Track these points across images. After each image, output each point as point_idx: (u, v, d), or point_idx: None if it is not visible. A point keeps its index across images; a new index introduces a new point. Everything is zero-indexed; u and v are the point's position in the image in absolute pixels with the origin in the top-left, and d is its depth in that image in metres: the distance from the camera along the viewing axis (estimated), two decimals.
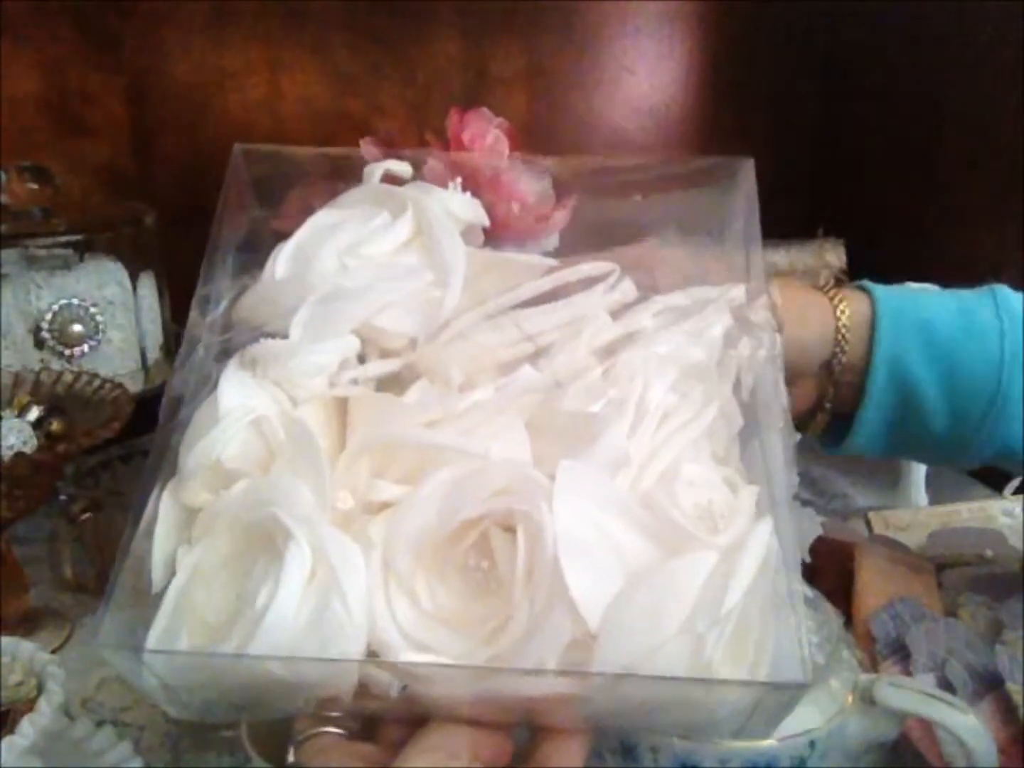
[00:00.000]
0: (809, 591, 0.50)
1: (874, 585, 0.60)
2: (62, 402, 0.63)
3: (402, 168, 0.44)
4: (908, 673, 0.53)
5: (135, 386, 0.73)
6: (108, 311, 0.74)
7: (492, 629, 0.32)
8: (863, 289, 0.53)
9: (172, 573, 0.33)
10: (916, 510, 0.75)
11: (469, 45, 1.02)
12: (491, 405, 0.35)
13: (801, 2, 1.11)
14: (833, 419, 0.54)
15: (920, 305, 0.51)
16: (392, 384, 0.38)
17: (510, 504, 0.32)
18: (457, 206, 0.42)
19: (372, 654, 0.31)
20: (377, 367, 0.38)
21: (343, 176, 0.44)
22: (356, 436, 0.36)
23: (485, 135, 0.61)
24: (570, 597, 0.30)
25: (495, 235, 0.44)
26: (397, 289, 0.38)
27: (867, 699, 0.44)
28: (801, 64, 1.14)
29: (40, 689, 0.45)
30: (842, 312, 0.51)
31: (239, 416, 0.35)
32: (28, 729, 0.42)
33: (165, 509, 0.35)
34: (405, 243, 0.40)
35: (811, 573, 0.60)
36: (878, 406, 0.51)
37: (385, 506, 0.34)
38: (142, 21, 0.89)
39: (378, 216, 0.40)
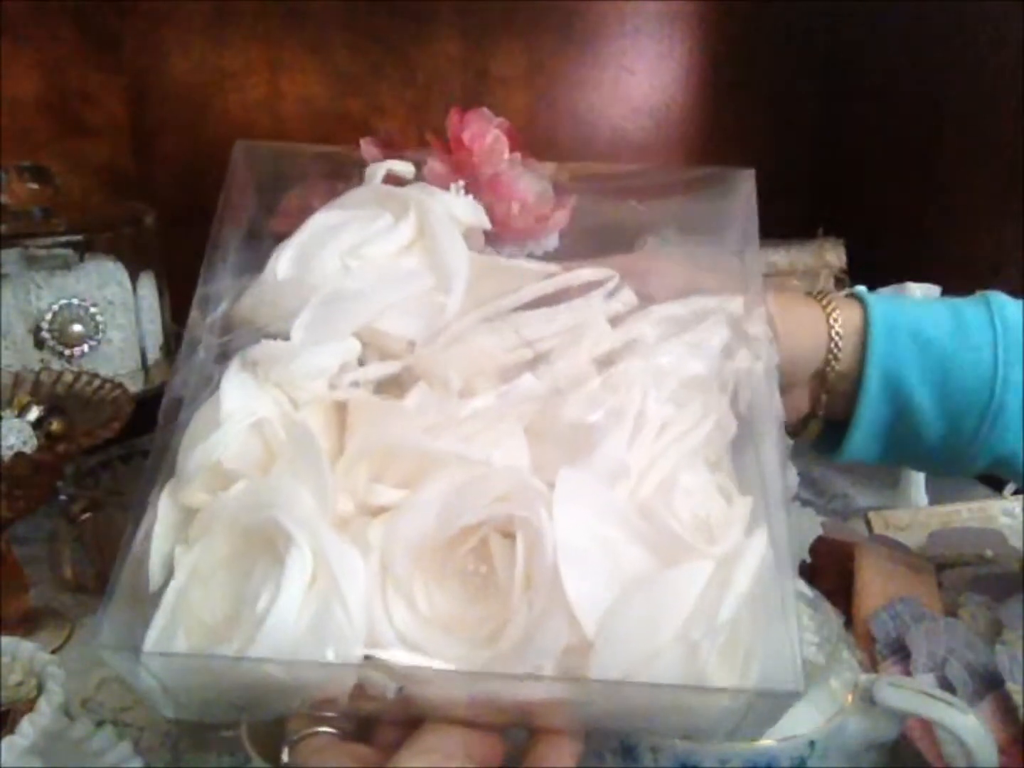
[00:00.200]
0: (809, 591, 0.50)
1: (874, 585, 0.60)
2: (62, 402, 0.63)
3: (405, 168, 0.44)
4: (908, 673, 0.53)
5: (135, 386, 0.73)
6: (108, 311, 0.74)
7: (489, 633, 0.32)
8: (856, 297, 0.53)
9: (170, 572, 0.33)
10: (916, 510, 0.75)
11: (469, 45, 1.02)
12: (491, 412, 0.35)
13: (801, 2, 1.11)
14: (827, 426, 0.54)
15: (913, 313, 0.51)
16: (392, 386, 0.38)
17: (510, 511, 0.32)
18: (459, 209, 0.42)
19: (369, 656, 0.31)
20: (377, 369, 0.38)
21: (343, 175, 0.44)
22: (356, 440, 0.36)
23: (485, 135, 0.61)
24: (568, 603, 0.30)
25: (495, 235, 0.44)
26: (399, 292, 0.38)
27: (867, 699, 0.44)
28: (801, 64, 1.14)
29: (40, 689, 0.45)
30: (835, 321, 0.51)
31: (240, 419, 0.35)
32: (28, 729, 0.42)
33: (164, 509, 0.35)
34: (407, 245, 0.40)
35: (811, 573, 0.60)
36: (871, 415, 0.51)
37: (383, 509, 0.34)
38: (142, 21, 0.89)
39: (380, 217, 0.40)
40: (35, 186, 0.75)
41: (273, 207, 0.43)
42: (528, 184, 0.58)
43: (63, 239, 0.73)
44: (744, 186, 0.43)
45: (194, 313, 0.39)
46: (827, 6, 1.12)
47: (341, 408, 0.37)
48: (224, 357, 0.38)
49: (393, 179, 0.43)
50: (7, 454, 0.56)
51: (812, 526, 0.66)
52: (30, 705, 0.44)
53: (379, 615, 0.32)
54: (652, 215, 0.45)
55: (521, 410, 0.36)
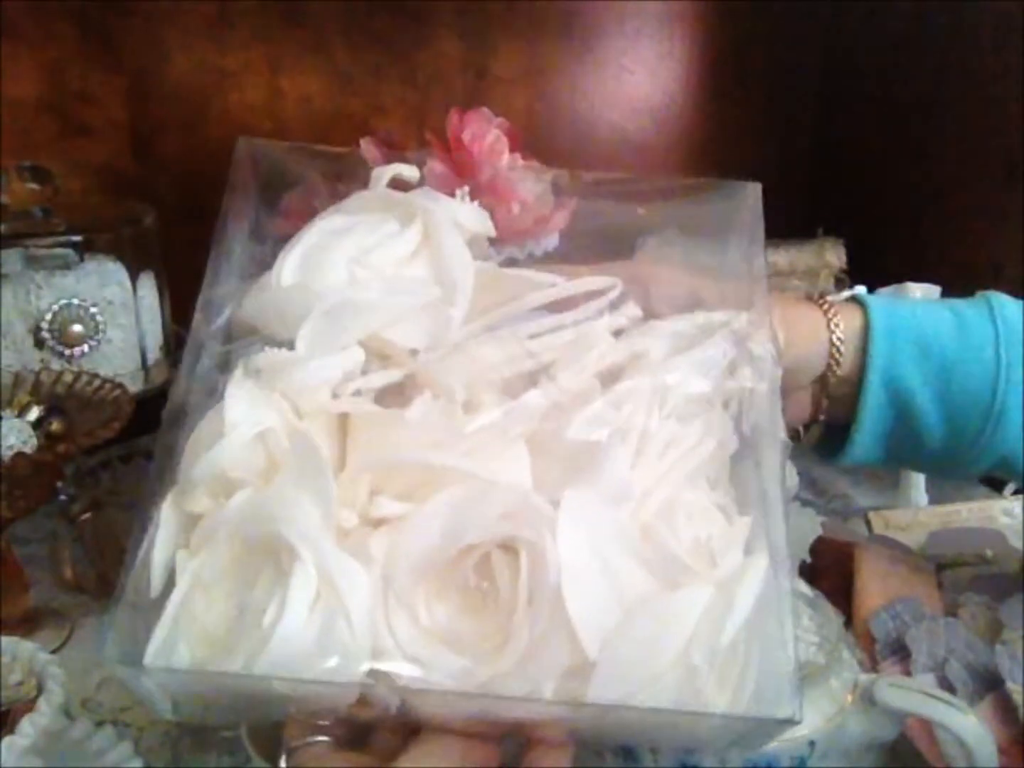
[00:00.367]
0: (809, 591, 0.50)
1: (874, 585, 0.60)
2: (62, 402, 0.63)
3: (411, 173, 0.43)
4: (908, 673, 0.53)
5: (135, 386, 0.73)
6: (108, 311, 0.74)
7: (490, 649, 0.32)
8: (856, 301, 0.52)
9: (171, 578, 0.33)
10: (916, 510, 0.75)
11: (469, 45, 1.01)
12: (495, 428, 0.35)
13: (801, 2, 1.11)
14: (828, 431, 0.54)
15: (914, 316, 0.51)
16: (394, 394, 0.38)
17: (514, 531, 0.33)
18: (464, 216, 0.41)
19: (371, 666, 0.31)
20: (379, 377, 0.38)
21: (345, 175, 0.43)
22: (358, 452, 0.36)
23: (485, 135, 0.61)
24: (570, 624, 0.31)
25: (495, 235, 0.44)
26: (404, 304, 0.38)
27: (867, 699, 0.44)
28: (801, 64, 1.14)
29: (40, 689, 0.45)
30: (836, 325, 0.50)
31: (245, 431, 0.35)
32: (28, 729, 0.42)
33: (166, 516, 0.34)
34: (412, 253, 0.39)
35: (811, 573, 0.60)
36: (873, 419, 0.51)
37: (385, 521, 0.34)
38: (142, 21, 0.89)
39: (386, 224, 0.40)
40: (35, 186, 0.75)
41: (276, 205, 0.43)
42: (528, 185, 0.58)
43: (63, 239, 0.72)
44: (751, 198, 0.43)
45: (198, 316, 0.39)
46: (827, 6, 1.13)
47: (345, 418, 0.37)
48: (228, 365, 0.38)
49: (398, 182, 0.43)
50: (7, 454, 0.56)
51: (812, 526, 0.66)
52: (30, 705, 0.44)
53: (380, 626, 0.32)
54: (653, 218, 0.45)
55: (525, 427, 0.35)
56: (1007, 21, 0.90)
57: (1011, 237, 0.89)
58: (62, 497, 0.67)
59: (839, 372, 0.51)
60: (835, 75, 1.14)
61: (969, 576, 0.63)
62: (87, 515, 0.66)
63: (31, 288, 0.71)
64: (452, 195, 0.42)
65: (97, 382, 0.64)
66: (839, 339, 0.50)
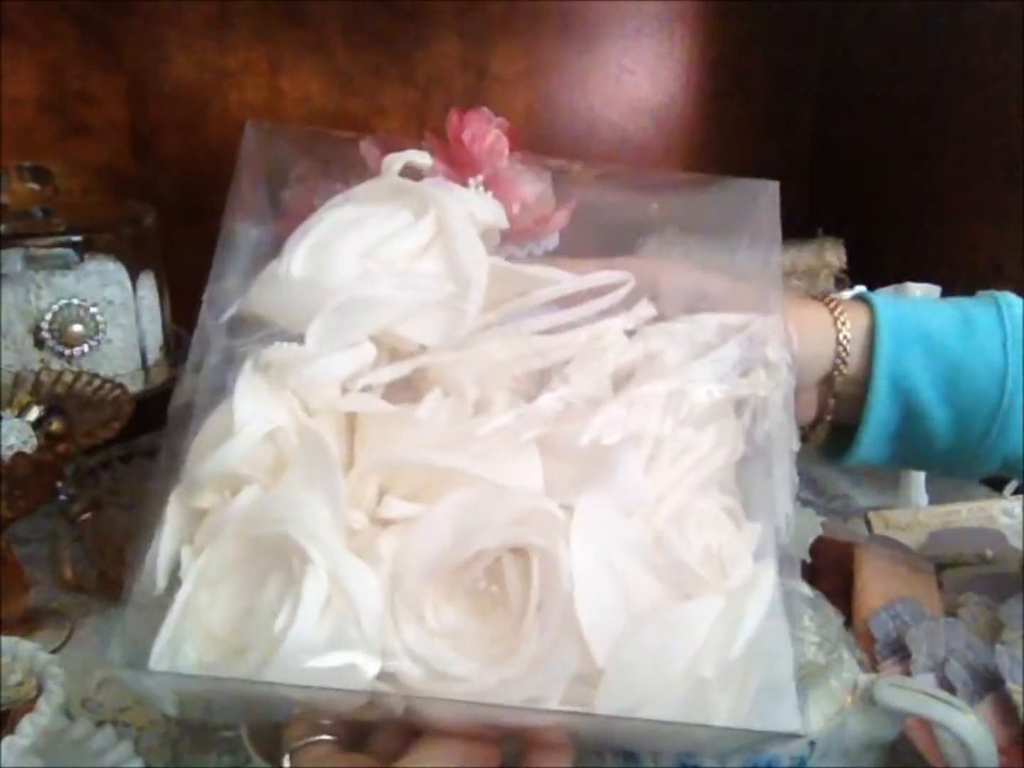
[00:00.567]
0: (809, 591, 0.50)
1: (874, 585, 0.60)
2: (62, 402, 0.63)
3: (423, 159, 0.42)
4: (908, 673, 0.53)
5: (135, 386, 0.73)
6: (108, 311, 0.74)
7: (499, 653, 0.32)
8: (863, 300, 0.52)
9: (175, 573, 0.33)
10: (916, 510, 0.75)
11: (469, 45, 1.01)
12: (507, 430, 0.34)
13: (801, 2, 1.11)
14: (835, 430, 0.54)
15: (921, 315, 0.50)
16: (404, 388, 0.37)
17: (526, 537, 0.32)
18: (478, 207, 0.40)
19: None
20: (389, 372, 0.37)
21: (354, 163, 0.43)
22: (368, 451, 0.35)
23: (485, 135, 0.61)
24: (580, 631, 0.31)
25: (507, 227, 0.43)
26: (417, 299, 0.37)
27: (867, 699, 0.44)
28: (801, 64, 1.14)
29: (40, 689, 0.45)
30: (843, 325, 0.50)
31: (254, 429, 0.34)
32: (28, 729, 0.42)
33: (172, 512, 0.34)
34: (426, 246, 0.38)
35: (811, 573, 0.60)
36: (880, 419, 0.50)
37: (394, 522, 0.34)
38: (142, 21, 0.89)
39: (398, 215, 0.38)
40: (35, 186, 0.75)
41: (285, 190, 0.42)
42: (528, 184, 0.58)
43: (63, 239, 0.72)
44: (768, 196, 0.42)
45: (204, 310, 0.38)
46: (827, 6, 1.13)
47: (353, 415, 0.36)
48: (235, 358, 0.37)
49: (409, 171, 0.41)
50: (7, 454, 0.56)
51: (812, 526, 0.66)
52: (30, 705, 0.44)
53: (388, 627, 0.32)
54: (667, 213, 0.44)
55: (538, 430, 0.35)
56: (1007, 21, 0.90)
57: (1011, 237, 0.89)
58: (62, 497, 0.67)
59: (846, 372, 0.50)
60: (835, 75, 1.14)
61: (969, 576, 0.63)
62: (87, 515, 0.67)
63: (31, 288, 0.71)
64: None
65: (97, 382, 0.64)
66: (846, 338, 0.50)
